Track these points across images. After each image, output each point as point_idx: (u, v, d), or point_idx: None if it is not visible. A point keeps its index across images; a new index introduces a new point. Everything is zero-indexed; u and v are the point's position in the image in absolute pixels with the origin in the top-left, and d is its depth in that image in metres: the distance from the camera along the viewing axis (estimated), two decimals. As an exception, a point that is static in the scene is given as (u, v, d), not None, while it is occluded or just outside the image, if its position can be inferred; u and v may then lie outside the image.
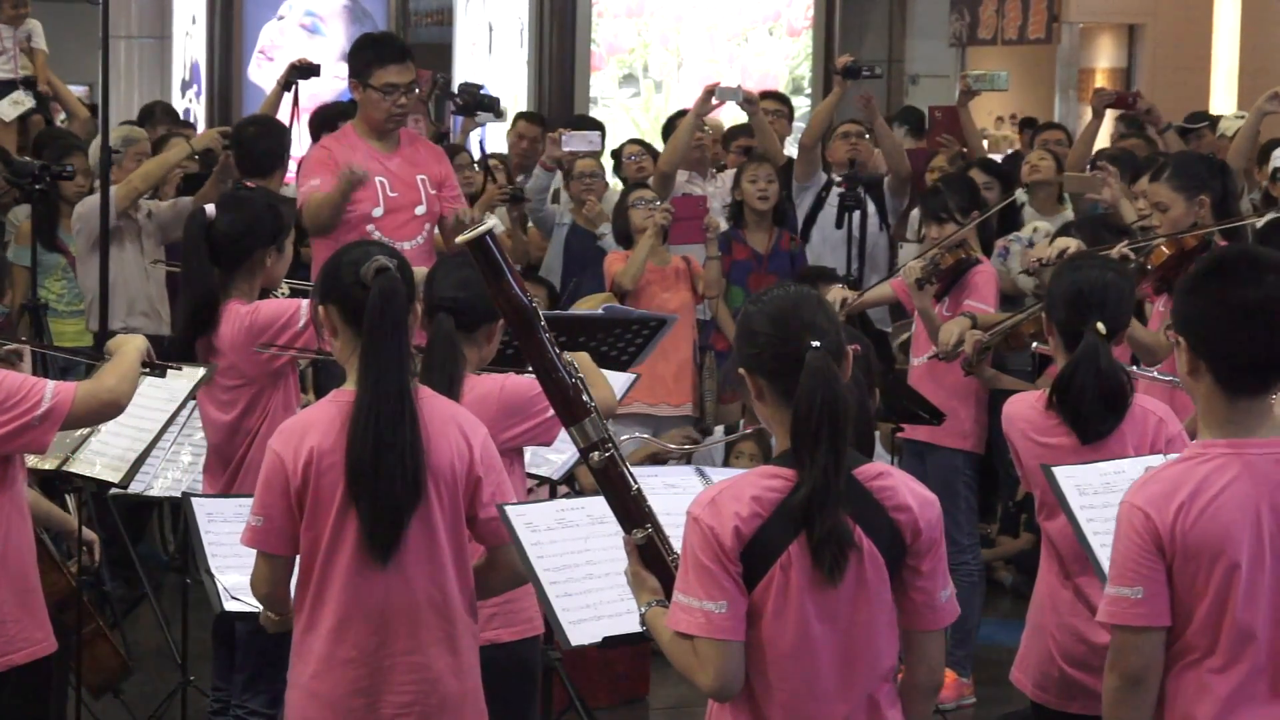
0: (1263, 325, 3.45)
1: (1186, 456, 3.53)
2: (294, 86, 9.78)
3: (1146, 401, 4.92)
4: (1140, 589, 3.47)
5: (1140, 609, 3.48)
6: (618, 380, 5.59)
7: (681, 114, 9.83)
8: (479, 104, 8.44)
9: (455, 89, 8.61)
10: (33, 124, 11.29)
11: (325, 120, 9.75)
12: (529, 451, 5.08)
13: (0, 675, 4.53)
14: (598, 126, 9.89)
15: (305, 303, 5.26)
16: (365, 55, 7.23)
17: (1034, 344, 5.76)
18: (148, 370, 4.82)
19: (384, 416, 3.95)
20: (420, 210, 7.14)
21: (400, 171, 7.12)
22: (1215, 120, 10.81)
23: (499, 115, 8.70)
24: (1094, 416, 4.79)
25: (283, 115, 9.93)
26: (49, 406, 4.45)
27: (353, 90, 7.22)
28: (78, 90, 15.10)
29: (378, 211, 7.06)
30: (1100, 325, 4.80)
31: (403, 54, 7.27)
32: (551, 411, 4.53)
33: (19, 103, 11.17)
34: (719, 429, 8.49)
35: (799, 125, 11.99)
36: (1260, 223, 6.93)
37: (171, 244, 8.45)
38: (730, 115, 10.42)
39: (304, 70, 9.80)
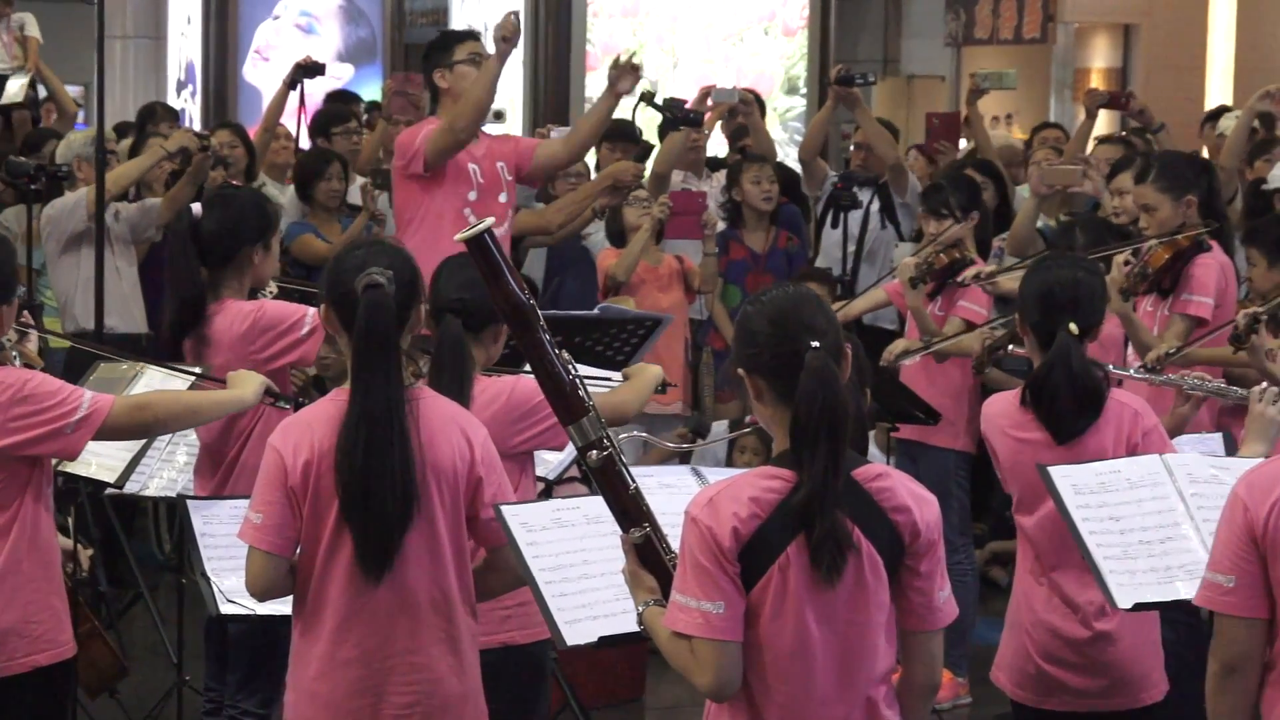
0: None
1: None
2: (299, 85, 9.79)
3: (1122, 395, 4.95)
4: (1233, 578, 3.52)
5: (1231, 597, 3.53)
6: (614, 380, 5.58)
7: (678, 114, 9.81)
8: (685, 119, 8.50)
9: (661, 102, 8.65)
10: (17, 122, 11.32)
11: (329, 119, 9.76)
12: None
13: (23, 676, 4.53)
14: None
15: (311, 311, 5.25)
16: (440, 42, 7.41)
17: (1010, 348, 5.79)
18: (272, 402, 4.89)
19: (371, 440, 3.94)
20: (503, 197, 7.22)
21: (484, 161, 7.23)
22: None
23: (695, 124, 8.70)
24: (1067, 415, 4.81)
25: (288, 114, 9.97)
26: (85, 414, 4.48)
27: (439, 81, 7.27)
28: (73, 90, 15.11)
29: (472, 195, 7.14)
30: (1073, 325, 4.83)
31: (477, 35, 7.52)
32: (559, 418, 4.56)
33: (19, 85, 11.25)
34: (722, 425, 8.48)
35: (795, 125, 12.00)
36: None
37: (143, 243, 8.46)
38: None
39: (309, 69, 9.81)
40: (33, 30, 11.95)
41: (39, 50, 11.94)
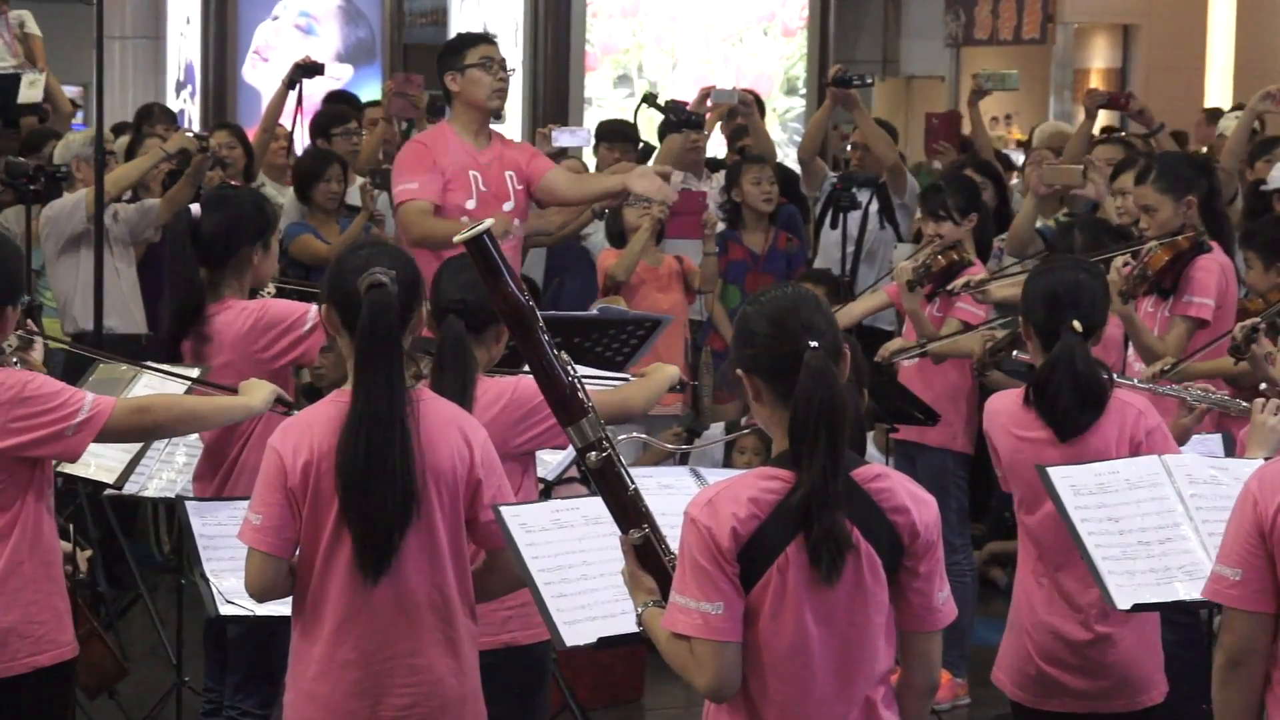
0: None
1: None
2: (298, 85, 9.79)
3: (1125, 394, 4.95)
4: (1240, 571, 3.54)
5: (1236, 590, 3.55)
6: (611, 381, 5.57)
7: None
8: (687, 121, 8.50)
9: (662, 103, 8.63)
10: (26, 127, 11.30)
11: (329, 120, 9.76)
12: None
13: (24, 677, 4.53)
14: None
15: (313, 307, 5.25)
16: (452, 45, 7.37)
17: (1014, 352, 5.81)
18: (284, 411, 4.87)
19: (373, 438, 3.94)
20: (508, 206, 7.18)
21: (491, 168, 7.19)
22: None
23: (696, 126, 8.69)
24: (1071, 413, 4.81)
25: (286, 115, 9.97)
26: (86, 417, 4.48)
27: (449, 84, 7.23)
28: (72, 91, 15.09)
29: (470, 204, 7.12)
30: (1076, 324, 4.83)
31: (491, 37, 7.42)
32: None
33: (34, 83, 11.22)
34: (718, 427, 8.48)
35: (795, 126, 11.98)
36: None
37: (141, 244, 8.46)
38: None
39: (308, 69, 9.80)
40: (33, 27, 11.92)
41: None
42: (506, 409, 4.62)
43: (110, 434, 4.60)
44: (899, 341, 7.14)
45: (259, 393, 4.81)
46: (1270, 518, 3.50)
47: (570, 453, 5.21)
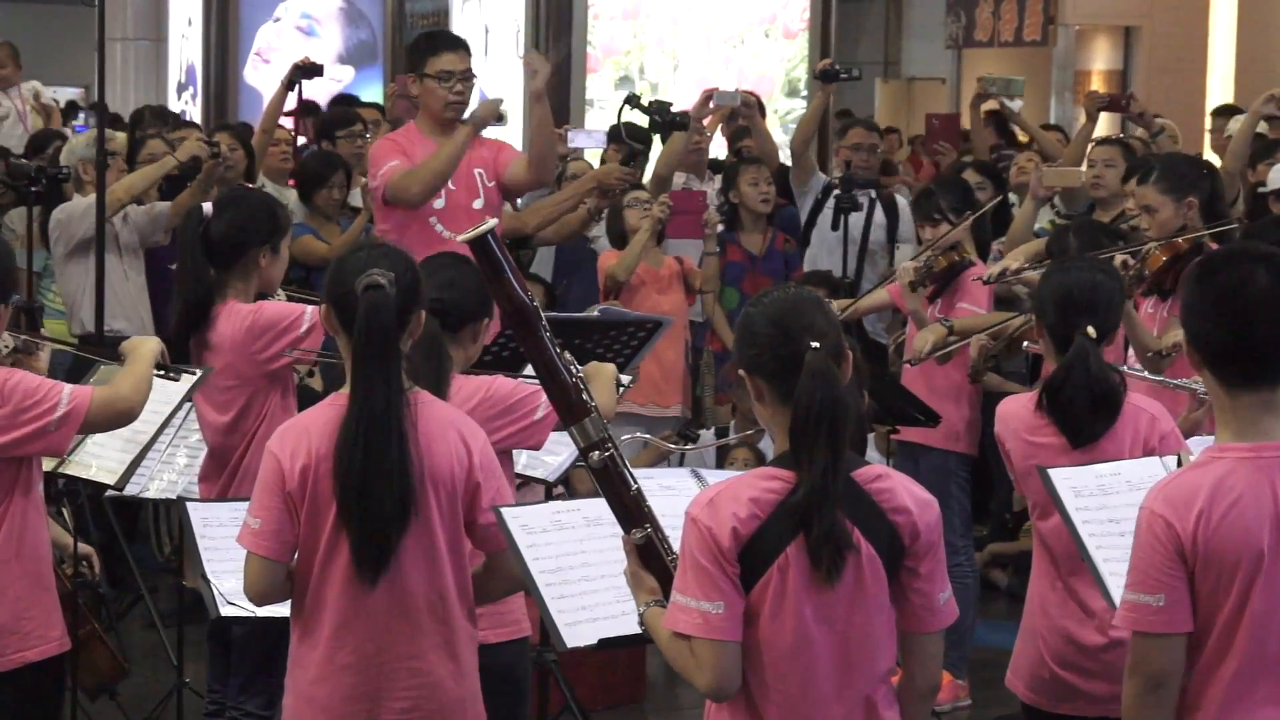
0: (1236, 313, 3.44)
1: (1203, 460, 3.51)
2: (298, 86, 9.80)
3: (1139, 399, 4.93)
4: (1162, 596, 3.46)
5: (1162, 616, 3.46)
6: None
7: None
8: (671, 122, 8.47)
9: (646, 104, 8.61)
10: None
11: (334, 123, 9.77)
12: (525, 454, 5.07)
13: (13, 672, 4.55)
14: None
15: (310, 309, 5.26)
16: (420, 47, 7.34)
17: (1025, 344, 5.79)
18: (161, 373, 4.87)
19: (370, 439, 3.93)
20: (478, 204, 7.16)
21: (460, 168, 7.16)
22: None
23: (681, 127, 8.68)
24: (1084, 420, 4.79)
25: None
26: (65, 411, 4.48)
27: (411, 86, 7.26)
28: (74, 92, 15.13)
29: (439, 204, 7.11)
30: (1090, 329, 4.81)
31: (457, 43, 7.37)
32: (539, 415, 4.59)
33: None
34: (707, 432, 8.48)
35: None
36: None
37: (150, 248, 8.46)
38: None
39: (307, 70, 9.81)
40: (47, 98, 12.04)
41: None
42: (480, 406, 4.60)
43: (91, 426, 4.61)
44: (930, 337, 6.96)
45: (146, 344, 4.83)
46: (1190, 534, 3.42)
47: (572, 453, 5.21)
